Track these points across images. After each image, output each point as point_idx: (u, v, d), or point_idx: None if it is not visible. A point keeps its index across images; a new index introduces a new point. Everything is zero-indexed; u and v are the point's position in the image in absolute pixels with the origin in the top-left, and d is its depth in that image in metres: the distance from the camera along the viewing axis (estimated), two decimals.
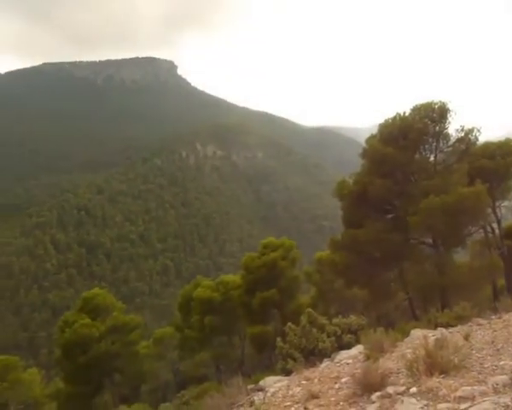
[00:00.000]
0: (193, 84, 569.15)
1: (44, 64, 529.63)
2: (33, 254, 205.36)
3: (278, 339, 16.92)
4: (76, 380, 42.77)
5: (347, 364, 11.06)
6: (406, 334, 13.44)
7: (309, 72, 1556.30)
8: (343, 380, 9.35)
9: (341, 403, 7.93)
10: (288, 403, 8.95)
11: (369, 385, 7.90)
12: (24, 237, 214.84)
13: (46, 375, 65.17)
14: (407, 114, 27.15)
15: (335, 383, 9.39)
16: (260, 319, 36.46)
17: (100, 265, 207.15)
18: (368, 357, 10.55)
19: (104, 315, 43.57)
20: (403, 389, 7.46)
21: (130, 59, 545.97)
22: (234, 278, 41.61)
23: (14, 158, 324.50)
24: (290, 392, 9.75)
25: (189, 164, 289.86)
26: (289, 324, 17.18)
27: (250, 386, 11.61)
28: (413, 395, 7.12)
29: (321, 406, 8.12)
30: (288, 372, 13.60)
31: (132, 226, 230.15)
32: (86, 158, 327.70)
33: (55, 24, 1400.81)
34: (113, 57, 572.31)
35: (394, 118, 27.43)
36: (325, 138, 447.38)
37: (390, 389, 7.53)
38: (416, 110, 26.86)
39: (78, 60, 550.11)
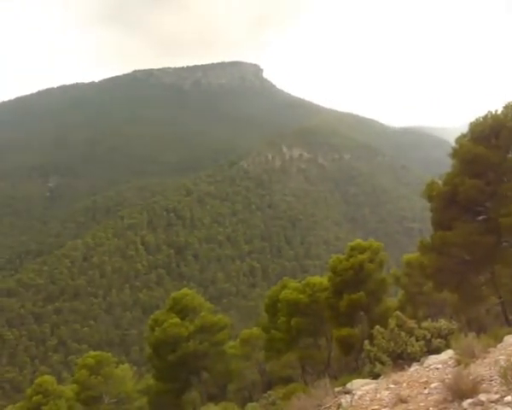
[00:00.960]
0: (278, 87, 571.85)
1: (135, 71, 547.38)
2: (125, 254, 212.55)
3: (366, 342, 16.75)
4: (165, 377, 43.95)
5: (437, 369, 10.79)
6: (499, 340, 12.95)
7: (394, 71, 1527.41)
8: (433, 385, 9.13)
9: (431, 409, 7.76)
10: (376, 407, 8.84)
11: (460, 391, 7.68)
12: (116, 237, 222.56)
13: (137, 371, 67.36)
14: (499, 111, 26.12)
15: (425, 388, 9.18)
16: (347, 321, 36.08)
17: (188, 265, 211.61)
18: (459, 362, 10.25)
19: (192, 315, 44.49)
20: (496, 397, 7.21)
21: (217, 63, 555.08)
22: (321, 279, 41.38)
23: (108, 162, 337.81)
24: (378, 395, 9.62)
25: (276, 166, 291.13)
26: (377, 327, 16.97)
27: (337, 388, 11.55)
28: (508, 403, 6.86)
29: None
30: (375, 376, 13.43)
31: (220, 228, 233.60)
32: (175, 161, 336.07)
33: (144, 32, 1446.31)
34: (199, 63, 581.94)
35: (485, 116, 26.42)
36: (412, 139, 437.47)
37: (483, 397, 7.29)
38: (509, 108, 25.78)
39: (166, 66, 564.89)
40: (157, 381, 46.09)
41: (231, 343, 49.49)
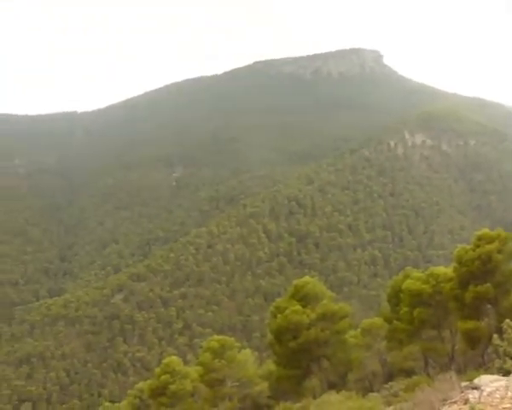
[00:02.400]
0: (400, 73, 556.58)
1: (256, 63, 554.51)
2: (247, 242, 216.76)
3: (495, 336, 15.95)
4: (286, 363, 44.45)
5: None
6: None
7: None
8: None
9: None
10: (508, 405, 8.38)
11: None
12: (239, 226, 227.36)
13: (258, 357, 68.69)
14: None
15: None
16: (473, 313, 34.68)
17: (309, 254, 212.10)
18: None
19: (314, 303, 44.57)
20: None
21: (336, 51, 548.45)
22: (445, 270, 40.01)
23: (230, 152, 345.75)
24: (509, 393, 9.11)
25: (398, 154, 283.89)
26: (507, 320, 16.12)
27: (463, 383, 11.09)
28: None
29: None
30: (506, 372, 12.77)
31: (341, 216, 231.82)
32: (296, 150, 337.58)
33: (265, 22, 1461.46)
34: (318, 51, 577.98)
35: None
36: None
37: None
38: None
39: (286, 56, 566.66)
40: (278, 367, 46.71)
41: (352, 333, 49.14)
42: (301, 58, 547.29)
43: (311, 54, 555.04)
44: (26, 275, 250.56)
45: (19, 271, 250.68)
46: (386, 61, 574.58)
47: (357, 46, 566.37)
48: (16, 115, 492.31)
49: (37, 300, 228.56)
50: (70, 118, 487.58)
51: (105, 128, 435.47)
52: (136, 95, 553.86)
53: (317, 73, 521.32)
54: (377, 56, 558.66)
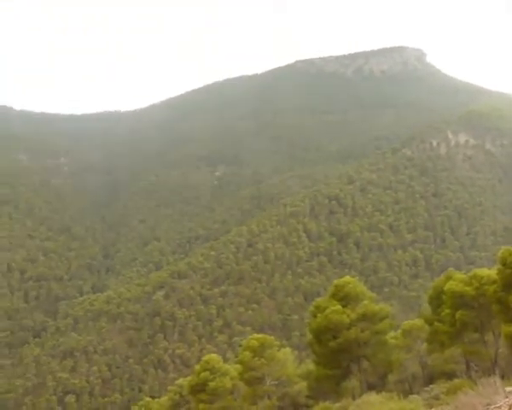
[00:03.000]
0: (443, 71, 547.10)
1: (297, 61, 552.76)
2: (287, 241, 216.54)
3: None
4: (326, 363, 44.43)
5: None
6: None
7: None
8: None
9: None
10: None
11: None
12: (279, 225, 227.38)
13: (298, 356, 68.72)
14: None
15: None
16: None
17: (349, 254, 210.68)
18: None
19: (354, 303, 44.47)
20: None
21: (378, 50, 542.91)
22: (488, 272, 39.39)
23: (271, 151, 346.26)
24: None
25: (440, 153, 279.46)
26: None
27: (508, 388, 10.97)
28: None
29: None
30: None
31: (382, 216, 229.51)
32: (338, 149, 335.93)
33: (304, 21, 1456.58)
34: (359, 49, 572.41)
35: None
36: None
37: None
38: None
39: (327, 55, 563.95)
40: (317, 366, 46.74)
41: (392, 334, 48.87)
42: (343, 57, 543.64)
43: (352, 52, 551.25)
44: (71, 271, 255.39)
45: (63, 267, 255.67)
46: (430, 59, 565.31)
47: (399, 44, 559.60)
48: (62, 115, 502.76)
49: (81, 295, 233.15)
50: (114, 117, 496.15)
51: (148, 127, 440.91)
52: (177, 94, 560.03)
53: (358, 72, 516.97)
54: (420, 55, 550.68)
